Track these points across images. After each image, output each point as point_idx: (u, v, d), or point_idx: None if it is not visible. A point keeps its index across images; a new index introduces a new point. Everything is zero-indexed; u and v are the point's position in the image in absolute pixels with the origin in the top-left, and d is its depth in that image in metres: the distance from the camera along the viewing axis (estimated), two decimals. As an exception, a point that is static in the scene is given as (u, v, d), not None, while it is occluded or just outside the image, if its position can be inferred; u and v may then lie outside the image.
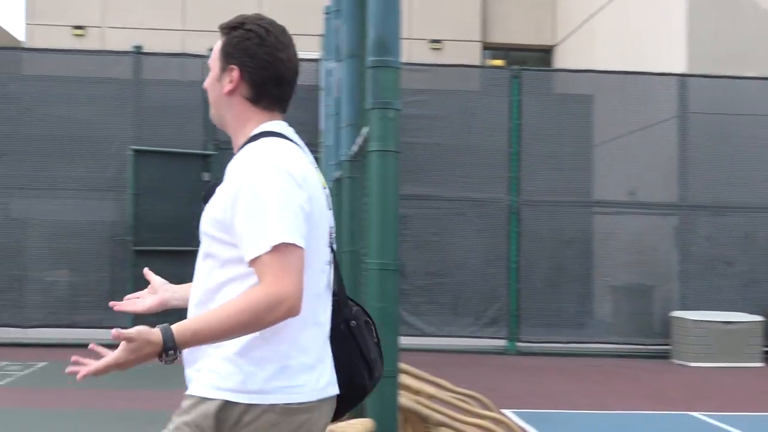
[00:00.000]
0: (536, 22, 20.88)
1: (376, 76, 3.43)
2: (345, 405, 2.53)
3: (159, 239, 12.19)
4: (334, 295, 2.53)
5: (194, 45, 18.01)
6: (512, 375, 10.93)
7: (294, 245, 2.26)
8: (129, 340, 2.23)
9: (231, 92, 2.48)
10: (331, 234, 2.51)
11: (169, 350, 2.24)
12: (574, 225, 12.99)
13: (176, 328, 2.26)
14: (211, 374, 2.36)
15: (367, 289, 3.65)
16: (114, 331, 2.23)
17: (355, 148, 5.22)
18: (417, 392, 4.23)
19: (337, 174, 6.87)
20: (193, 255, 10.78)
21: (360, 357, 2.52)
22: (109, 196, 12.66)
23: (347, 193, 5.68)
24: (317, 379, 2.39)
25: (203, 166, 12.53)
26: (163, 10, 19.32)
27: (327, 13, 9.20)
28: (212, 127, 12.78)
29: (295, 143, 2.46)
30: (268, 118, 2.49)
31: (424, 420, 3.78)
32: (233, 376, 2.33)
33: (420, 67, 13.48)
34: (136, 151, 12.13)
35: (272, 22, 2.51)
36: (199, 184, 12.47)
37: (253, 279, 2.31)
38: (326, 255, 2.45)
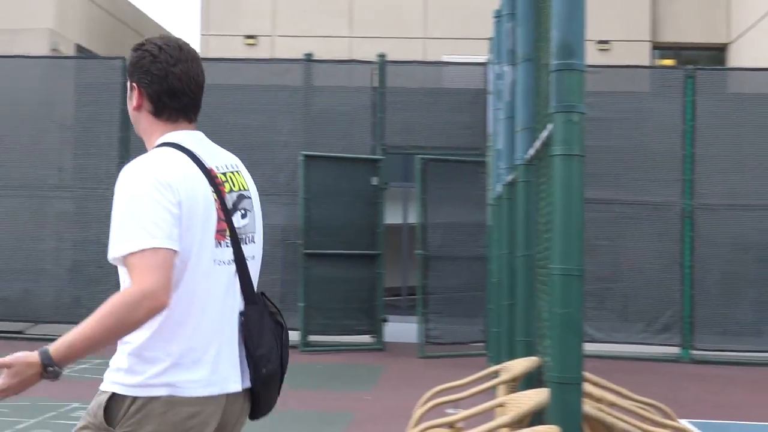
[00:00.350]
0: (709, 20, 20.22)
1: (559, 80, 3.37)
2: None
3: (329, 242, 12.41)
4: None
5: (361, 51, 18.27)
6: (687, 384, 10.60)
7: (156, 247, 2.40)
8: (8, 366, 2.39)
9: (137, 108, 2.70)
10: (241, 234, 2.65)
11: (48, 367, 2.39)
12: (752, 229, 12.49)
13: (53, 345, 2.41)
14: (111, 371, 2.57)
15: (550, 295, 3.59)
16: None
17: (531, 151, 5.16)
18: (598, 400, 4.15)
19: (510, 177, 6.82)
20: (361, 258, 11.09)
21: (246, 352, 2.64)
22: (281, 200, 12.97)
23: (522, 197, 5.62)
24: (206, 376, 2.55)
25: (372, 170, 12.69)
26: (331, 17, 19.68)
27: (497, 17, 9.15)
28: (380, 132, 12.94)
29: (190, 151, 2.62)
30: (172, 128, 2.67)
31: (608, 428, 3.70)
32: (125, 371, 2.52)
33: (590, 68, 13.22)
34: (307, 156, 12.38)
35: (169, 40, 2.69)
36: (368, 188, 12.63)
37: None
38: (220, 254, 2.58)
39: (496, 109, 9.17)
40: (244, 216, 2.69)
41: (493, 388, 5.07)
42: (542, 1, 5.18)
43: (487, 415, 4.32)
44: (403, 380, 10.42)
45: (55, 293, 13.17)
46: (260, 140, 13.12)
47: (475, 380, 5.21)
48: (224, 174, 2.68)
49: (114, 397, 2.54)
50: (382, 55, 13.12)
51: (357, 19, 19.73)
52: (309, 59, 13.26)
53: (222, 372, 2.59)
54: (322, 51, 14.66)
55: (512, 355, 6.16)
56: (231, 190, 2.68)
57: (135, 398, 2.51)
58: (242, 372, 2.66)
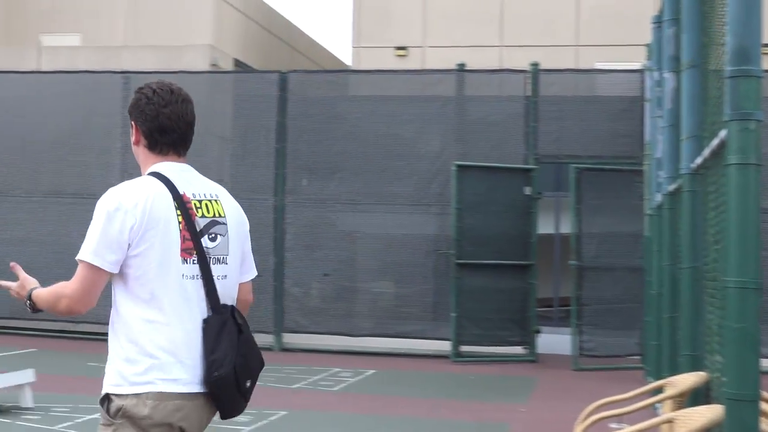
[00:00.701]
0: None
1: (734, 86, 3.26)
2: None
3: (481, 253, 12.37)
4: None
5: (511, 60, 18.17)
6: None
7: (89, 263, 2.92)
8: (20, 280, 3.13)
9: (135, 143, 3.14)
10: (209, 254, 3.01)
11: (27, 300, 3.08)
12: None
13: (37, 290, 3.08)
14: (106, 376, 2.99)
15: (723, 309, 3.48)
16: (12, 264, 3.20)
17: (698, 160, 5.01)
18: (774, 418, 3.99)
19: (672, 187, 6.64)
20: (514, 268, 10.94)
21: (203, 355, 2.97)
22: (433, 210, 13.02)
23: (687, 207, 5.46)
24: (187, 375, 2.93)
25: (525, 180, 12.58)
26: (481, 27, 19.65)
27: (657, 22, 8.93)
28: (533, 142, 12.83)
29: (167, 179, 3.02)
30: (161, 160, 3.09)
31: (785, 449, 3.55)
32: (112, 375, 2.95)
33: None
34: (460, 166, 12.38)
35: (163, 85, 3.11)
36: (521, 198, 12.54)
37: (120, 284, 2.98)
38: (187, 270, 2.96)
39: (655, 116, 8.94)
40: (213, 239, 3.04)
41: (656, 403, 4.95)
42: (709, 6, 5.03)
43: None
44: (558, 393, 10.28)
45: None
46: (411, 150, 13.21)
47: (638, 395, 5.10)
48: (199, 201, 3.05)
49: (109, 396, 2.94)
50: (535, 64, 13.01)
51: (508, 28, 19.64)
52: (461, 69, 13.25)
53: (190, 373, 2.95)
54: (472, 60, 14.64)
55: (675, 370, 6.00)
56: (204, 215, 3.04)
57: (121, 396, 2.91)
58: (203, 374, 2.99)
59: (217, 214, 3.07)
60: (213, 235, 3.04)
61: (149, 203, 2.94)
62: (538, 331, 12.64)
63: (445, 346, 12.44)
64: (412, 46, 19.68)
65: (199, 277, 2.98)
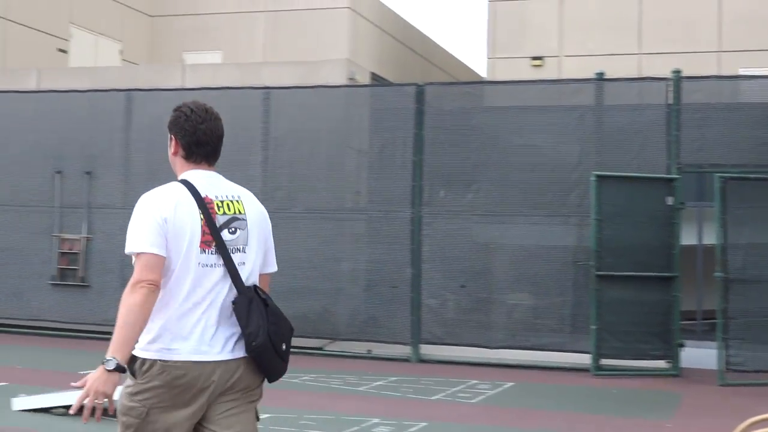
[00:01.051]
0: None
1: None
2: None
3: (622, 264, 12.11)
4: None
5: (650, 67, 17.81)
6: None
7: (145, 253, 3.41)
8: (84, 386, 3.34)
9: (174, 153, 3.70)
10: (229, 246, 3.54)
11: (108, 363, 3.30)
12: None
13: (108, 351, 3.34)
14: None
15: None
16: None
17: None
18: None
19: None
20: (656, 280, 10.69)
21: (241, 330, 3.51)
22: (572, 221, 12.83)
23: None
24: (188, 347, 3.43)
25: (667, 190, 12.27)
26: (619, 34, 19.35)
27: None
28: (675, 151, 12.51)
29: (191, 185, 3.57)
30: (194, 168, 3.66)
31: None
32: (140, 341, 3.45)
33: None
34: (599, 176, 12.17)
35: (198, 105, 3.67)
36: (663, 209, 12.24)
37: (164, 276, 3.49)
38: (205, 259, 3.50)
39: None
40: (233, 232, 3.58)
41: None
42: None
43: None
44: (704, 409, 9.98)
45: (351, 312, 13.71)
46: (549, 161, 13.03)
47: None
48: (221, 201, 3.60)
49: (133, 358, 3.45)
50: (677, 71, 12.68)
51: (646, 35, 19.26)
52: (601, 78, 13.02)
53: (210, 344, 3.46)
54: (610, 69, 14.39)
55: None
56: (225, 213, 3.59)
57: (144, 359, 3.45)
58: (234, 345, 3.51)
59: (237, 212, 3.61)
60: (233, 229, 3.58)
61: (174, 204, 3.49)
62: (682, 345, 12.29)
63: (583, 359, 12.23)
64: (548, 55, 19.52)
65: (218, 265, 3.52)
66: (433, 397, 10.04)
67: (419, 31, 26.33)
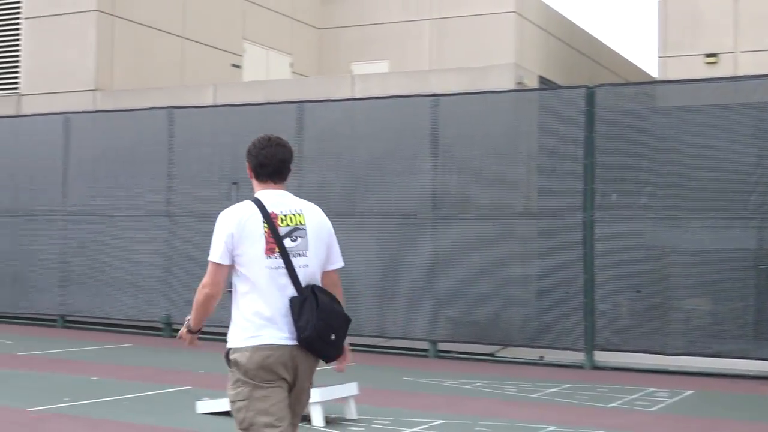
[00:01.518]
0: None
1: None
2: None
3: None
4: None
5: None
6: None
7: (213, 262, 4.30)
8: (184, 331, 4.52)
9: (250, 176, 4.48)
10: (291, 251, 4.29)
11: (187, 327, 4.50)
12: None
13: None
14: (228, 336, 4.37)
15: None
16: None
17: None
18: None
19: None
20: None
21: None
22: (753, 223, 12.33)
23: None
24: (270, 333, 4.21)
25: None
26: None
27: None
28: None
29: (260, 202, 4.35)
30: (264, 187, 4.44)
31: None
32: (230, 335, 4.33)
33: None
34: (781, 176, 11.66)
35: (262, 136, 4.47)
36: None
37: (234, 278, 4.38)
38: (270, 263, 4.26)
39: None
40: (294, 240, 4.32)
41: None
42: None
43: None
44: None
45: (523, 318, 13.59)
46: (725, 161, 12.54)
47: None
48: (285, 215, 4.34)
49: (229, 351, 4.29)
50: None
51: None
52: (781, 73, 12.48)
53: (282, 332, 4.22)
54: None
55: None
56: (287, 225, 4.33)
57: (234, 349, 4.27)
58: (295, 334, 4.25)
59: (298, 223, 4.36)
60: (294, 238, 4.33)
61: (244, 220, 4.27)
62: None
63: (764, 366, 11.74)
64: (723, 52, 18.82)
65: (282, 267, 4.26)
66: (609, 405, 9.84)
67: (586, 32, 25.93)
